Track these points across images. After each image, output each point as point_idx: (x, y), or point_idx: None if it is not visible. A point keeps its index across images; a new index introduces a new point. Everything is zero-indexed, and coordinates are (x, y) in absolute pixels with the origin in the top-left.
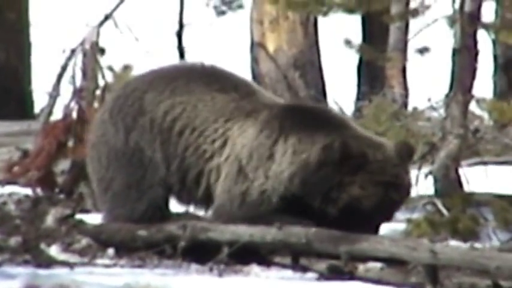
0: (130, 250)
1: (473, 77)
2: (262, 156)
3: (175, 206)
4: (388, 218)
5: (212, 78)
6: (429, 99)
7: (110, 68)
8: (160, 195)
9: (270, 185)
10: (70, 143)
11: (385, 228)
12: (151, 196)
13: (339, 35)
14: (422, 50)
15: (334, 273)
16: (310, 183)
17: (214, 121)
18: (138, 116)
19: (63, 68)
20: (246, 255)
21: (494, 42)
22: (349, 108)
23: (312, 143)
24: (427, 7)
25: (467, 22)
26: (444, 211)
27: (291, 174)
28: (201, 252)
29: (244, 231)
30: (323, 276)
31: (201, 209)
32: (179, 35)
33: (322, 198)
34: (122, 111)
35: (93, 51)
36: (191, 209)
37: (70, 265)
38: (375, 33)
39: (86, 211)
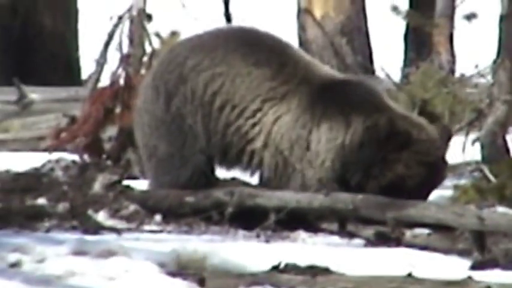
0: (177, 216)
1: None
2: (302, 147)
3: (222, 172)
4: (424, 199)
5: (247, 49)
6: (476, 66)
7: (157, 35)
8: (204, 161)
9: (323, 172)
10: (117, 110)
11: (432, 195)
12: (195, 162)
13: (386, 1)
14: (470, 16)
15: (381, 240)
16: (351, 162)
17: (252, 100)
18: (179, 84)
19: (111, 35)
20: (293, 221)
21: None
22: (396, 75)
23: (347, 126)
24: None
25: None
26: (491, 177)
27: (332, 161)
28: (248, 218)
29: (291, 197)
30: (370, 243)
31: (245, 174)
32: (226, 1)
33: (363, 174)
34: (163, 77)
35: (140, 18)
36: (237, 174)
37: (117, 231)
38: None
39: (133, 177)
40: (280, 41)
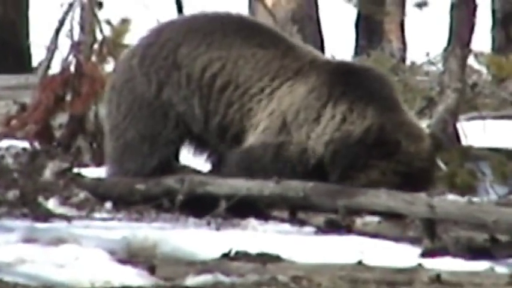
0: (128, 204)
1: (471, 31)
2: (308, 117)
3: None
4: None
5: (248, 32)
6: (427, 54)
7: (108, 22)
8: (173, 152)
9: (311, 146)
10: (68, 97)
11: None
12: (164, 153)
13: None
14: (421, 4)
15: (331, 227)
16: (341, 155)
17: (259, 79)
18: (173, 71)
19: (61, 22)
20: (244, 208)
21: None
22: None
23: (364, 117)
24: None
25: None
26: (442, 165)
27: (330, 140)
28: (198, 206)
29: (242, 185)
30: (320, 230)
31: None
32: None
33: (341, 172)
34: (154, 63)
35: (91, 5)
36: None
37: (68, 219)
38: None
39: (84, 165)
40: (275, 28)
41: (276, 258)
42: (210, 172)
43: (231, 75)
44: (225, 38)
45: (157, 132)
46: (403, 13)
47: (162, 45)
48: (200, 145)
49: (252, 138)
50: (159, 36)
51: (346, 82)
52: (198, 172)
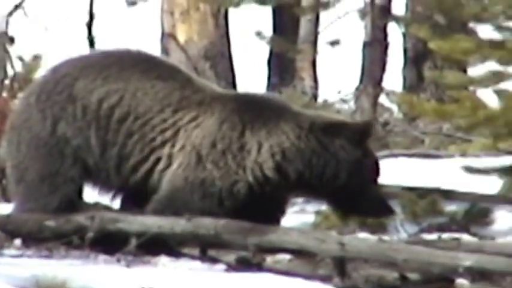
0: (37, 241)
1: (383, 70)
2: (230, 147)
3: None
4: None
5: (146, 66)
6: (339, 92)
7: (20, 58)
8: (74, 189)
9: (250, 176)
10: None
11: (294, 220)
12: (64, 192)
13: (250, 27)
14: (333, 43)
15: (242, 265)
16: (318, 165)
17: (160, 111)
18: (67, 104)
19: None
20: (155, 246)
21: (404, 35)
22: None
23: (283, 131)
24: (338, 0)
25: (378, 15)
26: None
27: (277, 165)
28: (109, 243)
29: (153, 222)
30: (231, 268)
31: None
32: (89, 25)
33: (347, 172)
34: (50, 99)
35: (3, 41)
36: (105, 199)
37: None
38: (285, 25)
39: None
40: (171, 62)
41: None
42: (121, 209)
43: (129, 107)
44: (122, 71)
45: (56, 171)
46: (315, 51)
47: (57, 81)
48: (100, 182)
49: (169, 176)
50: (56, 73)
51: (250, 109)
52: (109, 209)
